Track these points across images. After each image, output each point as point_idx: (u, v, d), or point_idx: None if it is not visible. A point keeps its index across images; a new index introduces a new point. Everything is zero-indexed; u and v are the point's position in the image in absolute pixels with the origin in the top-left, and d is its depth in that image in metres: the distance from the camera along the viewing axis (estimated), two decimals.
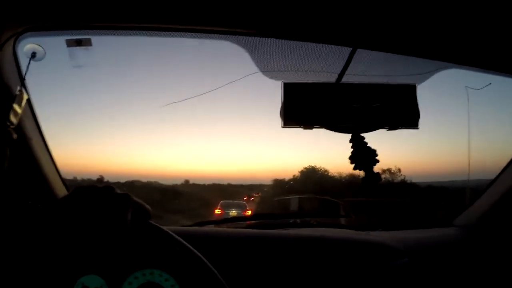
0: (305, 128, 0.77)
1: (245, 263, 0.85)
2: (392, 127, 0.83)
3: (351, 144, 0.81)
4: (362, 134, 0.82)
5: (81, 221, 0.64)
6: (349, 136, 0.80)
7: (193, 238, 0.95)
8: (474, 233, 1.14)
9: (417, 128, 0.83)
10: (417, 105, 0.84)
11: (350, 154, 0.80)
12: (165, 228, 0.69)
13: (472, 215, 1.22)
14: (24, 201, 0.81)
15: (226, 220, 1.15)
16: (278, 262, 0.86)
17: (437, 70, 0.97)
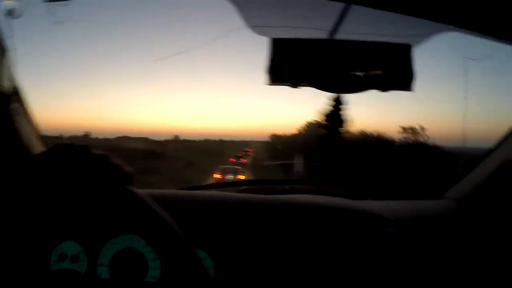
0: (292, 86, 0.73)
1: (229, 227, 0.84)
2: (385, 88, 0.79)
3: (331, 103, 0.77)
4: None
5: (53, 181, 0.60)
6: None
7: (178, 202, 0.93)
8: (466, 206, 1.13)
9: (412, 91, 0.80)
10: (412, 66, 0.80)
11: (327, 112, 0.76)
12: (143, 192, 0.65)
13: (465, 188, 1.20)
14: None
15: (213, 186, 1.13)
16: (261, 227, 0.84)
17: (436, 32, 0.92)
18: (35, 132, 0.99)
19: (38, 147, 0.98)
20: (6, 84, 0.91)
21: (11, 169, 0.63)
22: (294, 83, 0.73)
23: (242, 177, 10.79)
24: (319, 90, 0.75)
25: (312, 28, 0.76)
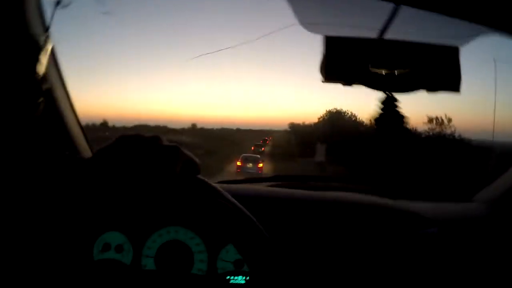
0: (344, 84, 0.74)
1: (272, 222, 0.84)
2: (432, 89, 0.80)
3: (381, 106, 0.78)
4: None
5: (126, 174, 0.59)
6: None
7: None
8: (497, 210, 1.12)
9: (459, 92, 0.80)
10: (459, 68, 0.81)
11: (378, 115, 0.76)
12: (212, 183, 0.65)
13: (496, 191, 1.20)
14: (61, 153, 0.79)
15: (246, 181, 1.14)
16: (306, 223, 0.84)
17: (482, 35, 0.92)
18: (79, 127, 1.00)
19: (79, 136, 1.00)
20: (53, 77, 0.93)
21: (77, 161, 0.63)
22: (348, 81, 0.74)
23: (261, 165, 11.36)
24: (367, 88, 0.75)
25: (363, 26, 0.77)
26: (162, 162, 0.58)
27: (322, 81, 0.72)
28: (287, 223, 0.84)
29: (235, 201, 0.62)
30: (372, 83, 0.76)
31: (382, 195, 1.07)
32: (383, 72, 0.75)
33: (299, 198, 0.93)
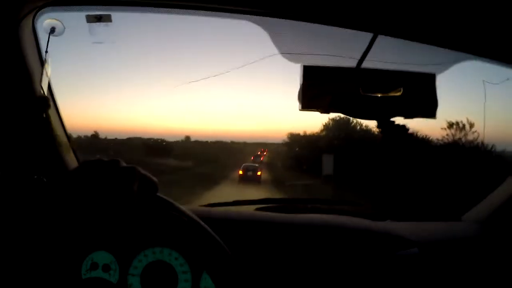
0: (321, 112, 0.77)
1: (255, 246, 0.86)
2: (409, 115, 0.82)
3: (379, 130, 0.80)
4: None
5: (86, 195, 0.63)
6: None
7: (204, 219, 0.95)
8: (485, 229, 1.12)
9: (435, 118, 0.83)
10: (436, 94, 0.83)
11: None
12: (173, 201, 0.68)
13: (483, 211, 1.20)
14: (30, 175, 0.82)
15: (236, 203, 1.16)
16: (283, 247, 0.86)
17: (457, 61, 0.96)
18: (69, 148, 1.03)
19: (71, 158, 1.03)
20: (42, 93, 0.96)
21: (43, 184, 0.66)
22: (324, 109, 0.77)
23: (259, 173, 12.64)
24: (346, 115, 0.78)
25: (341, 56, 0.81)
26: (120, 182, 0.62)
27: (300, 109, 0.75)
28: (267, 246, 0.86)
29: (192, 215, 0.64)
30: (349, 111, 0.79)
31: (366, 216, 1.08)
32: (361, 100, 0.78)
33: (281, 222, 0.95)
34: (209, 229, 0.65)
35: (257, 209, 1.16)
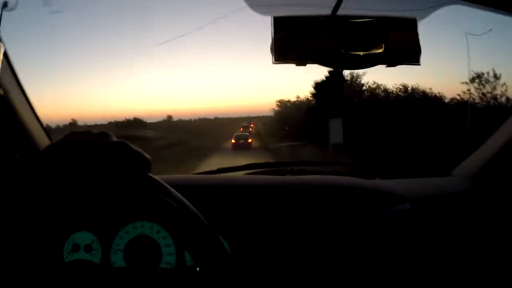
0: (297, 64, 0.72)
1: (242, 211, 0.83)
2: (391, 63, 0.78)
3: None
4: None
5: (72, 171, 0.58)
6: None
7: (191, 187, 0.92)
8: (476, 183, 1.11)
9: (419, 64, 0.79)
10: (418, 40, 0.79)
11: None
12: (161, 179, 0.63)
13: (473, 165, 1.19)
14: (10, 154, 0.77)
15: (221, 170, 1.13)
16: (274, 209, 0.84)
17: (440, 5, 0.91)
18: (40, 126, 0.98)
19: (42, 137, 0.98)
20: (7, 79, 0.90)
21: (20, 161, 0.62)
22: (300, 60, 0.72)
23: (250, 140, 13.50)
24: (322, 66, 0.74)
25: (315, 4, 0.75)
26: (108, 158, 0.56)
27: (273, 62, 0.70)
28: (250, 210, 0.83)
29: (183, 198, 0.60)
30: (328, 62, 0.74)
31: (355, 175, 1.06)
32: (339, 49, 0.74)
33: (268, 185, 0.92)
34: (192, 207, 0.61)
35: (245, 173, 1.13)
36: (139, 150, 0.60)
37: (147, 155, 0.60)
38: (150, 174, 0.60)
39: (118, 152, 0.57)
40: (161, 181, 0.60)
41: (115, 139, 0.59)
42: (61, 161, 0.57)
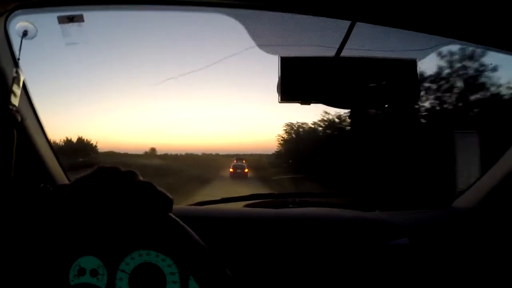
0: (302, 103, 0.76)
1: (245, 243, 0.85)
2: (391, 103, 0.81)
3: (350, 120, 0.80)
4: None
5: (100, 206, 0.61)
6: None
7: (194, 218, 0.94)
8: (475, 215, 1.12)
9: (418, 105, 0.82)
10: (418, 80, 0.82)
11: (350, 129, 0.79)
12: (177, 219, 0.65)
13: (473, 197, 1.19)
14: (35, 184, 0.80)
15: (225, 200, 1.14)
16: (276, 241, 0.85)
17: (438, 45, 0.94)
18: (54, 157, 1.01)
19: (53, 162, 1.00)
20: (25, 109, 0.94)
21: (52, 193, 0.64)
22: (304, 100, 0.75)
23: (246, 170, 14.20)
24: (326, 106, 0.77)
25: (320, 45, 0.79)
26: (136, 197, 0.59)
27: (279, 102, 0.73)
28: (257, 242, 0.85)
29: (201, 241, 0.63)
30: (331, 102, 0.77)
31: (356, 207, 1.07)
32: (341, 89, 0.77)
33: (270, 218, 0.94)
34: (194, 234, 0.64)
35: (245, 206, 1.14)
36: (163, 190, 0.63)
37: (170, 196, 0.63)
38: (171, 214, 0.63)
39: (144, 192, 0.60)
40: (180, 221, 0.62)
41: (141, 178, 0.62)
42: (93, 195, 0.60)
